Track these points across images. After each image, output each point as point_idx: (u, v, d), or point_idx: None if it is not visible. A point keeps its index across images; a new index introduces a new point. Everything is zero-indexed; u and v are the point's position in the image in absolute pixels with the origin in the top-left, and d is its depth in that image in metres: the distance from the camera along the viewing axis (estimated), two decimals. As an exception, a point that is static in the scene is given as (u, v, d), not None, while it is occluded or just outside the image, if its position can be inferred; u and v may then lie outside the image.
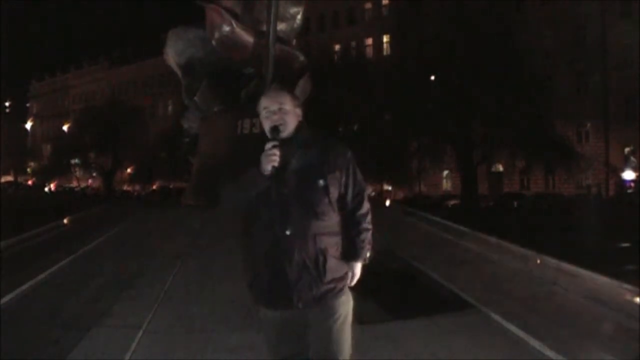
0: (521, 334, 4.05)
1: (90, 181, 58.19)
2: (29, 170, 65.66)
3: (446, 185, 41.86)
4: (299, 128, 2.39)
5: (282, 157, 2.25)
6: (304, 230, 2.27)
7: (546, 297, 5.30)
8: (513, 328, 4.17)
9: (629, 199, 30.36)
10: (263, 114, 2.39)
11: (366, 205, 2.42)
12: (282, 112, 2.35)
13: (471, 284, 5.47)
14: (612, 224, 17.98)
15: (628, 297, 4.94)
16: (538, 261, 6.61)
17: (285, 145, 2.28)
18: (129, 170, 47.08)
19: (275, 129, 2.31)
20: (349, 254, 2.40)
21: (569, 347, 3.82)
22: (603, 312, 4.74)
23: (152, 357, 3.65)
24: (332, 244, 2.33)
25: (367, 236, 2.42)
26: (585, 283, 5.50)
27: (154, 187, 43.81)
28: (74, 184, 57.79)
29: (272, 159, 2.23)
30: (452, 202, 30.68)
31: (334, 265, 2.32)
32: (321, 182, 2.30)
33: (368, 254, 2.44)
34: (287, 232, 2.26)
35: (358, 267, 2.43)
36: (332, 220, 2.34)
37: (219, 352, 3.73)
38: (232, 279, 4.92)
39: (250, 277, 2.41)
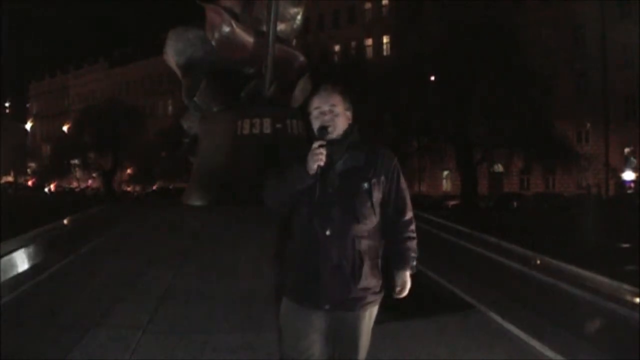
0: (521, 334, 4.05)
1: (90, 181, 58.21)
2: (29, 170, 65.65)
3: (446, 185, 41.90)
4: (348, 131, 2.40)
5: (328, 157, 2.25)
6: (343, 231, 2.27)
7: (546, 298, 5.30)
8: (513, 328, 4.17)
9: (628, 200, 30.37)
10: (314, 113, 2.39)
11: (409, 214, 2.43)
12: (332, 114, 2.36)
13: (471, 284, 5.47)
14: (612, 225, 17.98)
15: (628, 297, 4.94)
16: (538, 262, 6.60)
17: (332, 146, 2.29)
18: (129, 170, 47.08)
19: (323, 129, 2.32)
20: (396, 263, 2.39)
21: (569, 347, 3.82)
22: (603, 313, 4.73)
23: (152, 357, 3.65)
24: (371, 248, 2.33)
25: (412, 245, 2.42)
26: (585, 284, 5.50)
27: (154, 187, 43.81)
28: (74, 184, 57.80)
29: (318, 158, 2.23)
30: (452, 203, 30.70)
31: (369, 271, 2.31)
32: (365, 185, 2.31)
33: (414, 263, 2.42)
34: (327, 233, 2.26)
35: (407, 276, 2.41)
36: (372, 224, 2.34)
37: (219, 352, 3.73)
38: (233, 279, 4.93)
39: (283, 270, 2.41)
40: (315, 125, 2.37)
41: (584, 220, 19.96)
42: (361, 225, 2.30)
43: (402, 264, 2.39)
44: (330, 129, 2.32)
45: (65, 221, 9.69)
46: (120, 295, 4.78)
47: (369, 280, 2.32)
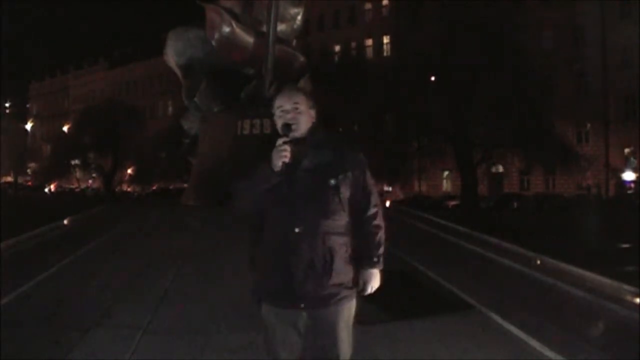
0: (521, 334, 4.05)
1: (90, 182, 58.16)
2: (29, 170, 65.61)
3: (446, 185, 41.88)
4: (312, 129, 2.41)
5: (294, 155, 2.26)
6: (313, 228, 2.28)
7: (546, 298, 5.30)
8: (513, 328, 4.17)
9: (628, 200, 30.37)
10: (277, 112, 2.41)
11: (373, 209, 2.43)
12: (296, 112, 2.37)
13: (470, 284, 5.47)
14: (612, 225, 17.97)
15: (628, 298, 4.95)
16: (538, 262, 6.61)
17: (297, 144, 2.30)
18: (129, 170, 47.06)
19: (286, 126, 2.32)
20: (360, 260, 2.40)
21: (568, 347, 3.82)
22: (603, 313, 4.74)
23: (152, 358, 3.65)
24: (341, 244, 2.34)
25: (377, 239, 2.42)
26: (585, 284, 5.51)
27: (154, 187, 43.79)
28: (74, 184, 57.76)
29: (282, 155, 2.24)
30: (452, 203, 30.73)
31: (341, 267, 2.32)
32: (332, 181, 2.32)
33: (380, 259, 2.42)
34: (297, 230, 2.27)
35: (373, 276, 2.41)
36: (342, 220, 2.35)
37: (219, 352, 3.73)
38: (232, 279, 4.93)
39: (257, 273, 2.42)
40: (279, 123, 2.38)
41: (584, 221, 19.95)
42: (330, 221, 2.31)
43: (366, 261, 2.40)
44: (293, 127, 2.33)
45: (65, 221, 9.70)
46: (120, 295, 4.78)
47: (341, 276, 2.33)
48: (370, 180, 2.44)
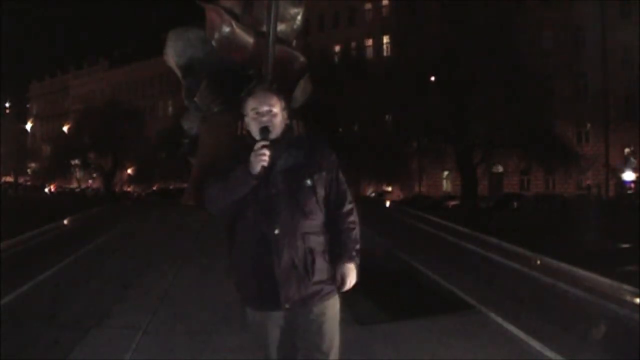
0: (521, 334, 4.05)
1: (90, 182, 58.18)
2: (29, 171, 65.64)
3: (446, 185, 41.87)
4: (286, 130, 2.41)
5: (270, 157, 2.26)
6: (292, 229, 2.28)
7: (546, 298, 5.30)
8: (513, 328, 4.17)
9: (628, 200, 30.36)
10: (251, 114, 2.42)
11: (348, 206, 2.43)
12: (270, 114, 2.37)
13: (470, 284, 5.47)
14: (612, 225, 17.97)
15: (628, 298, 4.94)
16: (538, 262, 6.61)
17: (273, 146, 2.29)
18: (129, 171, 47.07)
19: (265, 130, 2.32)
20: (339, 256, 2.38)
21: (568, 348, 3.82)
22: (603, 313, 4.74)
23: (152, 358, 3.65)
24: (320, 244, 2.34)
25: (352, 235, 2.41)
26: (585, 284, 5.50)
27: (154, 187, 43.79)
28: (74, 184, 57.78)
29: (261, 159, 2.24)
30: (452, 203, 30.74)
31: (321, 265, 2.33)
32: (308, 182, 2.32)
33: (356, 254, 2.41)
34: (276, 232, 2.27)
35: (350, 270, 2.38)
36: (319, 219, 2.36)
37: (219, 352, 3.73)
38: (232, 279, 4.93)
39: (237, 278, 2.42)
40: (253, 126, 2.38)
41: (584, 221, 19.94)
42: (309, 221, 2.31)
43: (343, 256, 2.39)
44: (270, 129, 2.33)
45: (65, 221, 9.70)
46: (120, 295, 4.78)
47: (322, 273, 2.33)
48: (343, 179, 2.45)
